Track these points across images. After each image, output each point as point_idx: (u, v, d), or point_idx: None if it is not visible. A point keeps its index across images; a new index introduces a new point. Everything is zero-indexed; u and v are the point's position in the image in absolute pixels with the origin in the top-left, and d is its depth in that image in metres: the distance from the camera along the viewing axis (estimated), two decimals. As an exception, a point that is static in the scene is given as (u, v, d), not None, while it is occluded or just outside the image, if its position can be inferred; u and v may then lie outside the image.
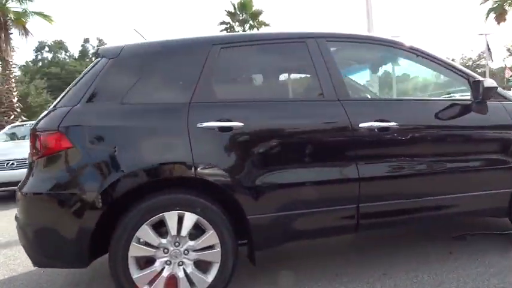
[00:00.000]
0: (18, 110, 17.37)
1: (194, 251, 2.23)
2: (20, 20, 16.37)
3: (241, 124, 2.26)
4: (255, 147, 2.28)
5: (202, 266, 2.27)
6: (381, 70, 3.14)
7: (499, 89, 2.77)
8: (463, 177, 2.58)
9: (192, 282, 2.21)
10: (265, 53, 2.53)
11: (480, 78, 2.54)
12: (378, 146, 2.42)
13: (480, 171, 2.59)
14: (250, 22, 33.15)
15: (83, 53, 58.10)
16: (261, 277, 2.61)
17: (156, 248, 2.18)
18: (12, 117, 16.78)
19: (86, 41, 60.15)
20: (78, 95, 2.26)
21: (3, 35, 16.31)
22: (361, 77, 2.95)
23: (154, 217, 2.16)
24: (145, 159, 2.18)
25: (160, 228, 2.20)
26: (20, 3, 16.65)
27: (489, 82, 2.47)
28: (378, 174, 2.40)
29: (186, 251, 2.22)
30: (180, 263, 2.21)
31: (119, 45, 2.44)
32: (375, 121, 2.38)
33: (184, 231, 2.20)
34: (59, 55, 58.89)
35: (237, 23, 33.29)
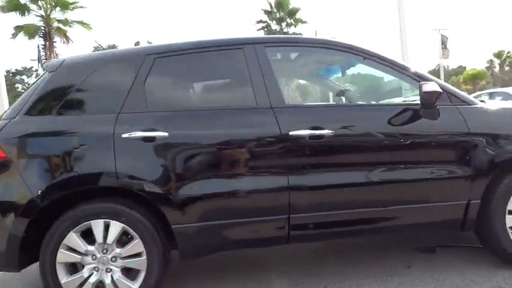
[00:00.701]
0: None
1: (121, 258, 2.28)
2: (62, 29, 17.45)
3: (165, 134, 2.27)
4: (180, 157, 2.28)
5: (131, 273, 2.32)
6: (326, 74, 3.02)
7: (461, 93, 2.56)
8: (407, 188, 2.40)
9: (118, 289, 2.27)
10: (201, 62, 2.51)
11: (427, 81, 2.35)
12: (310, 154, 2.32)
13: (428, 181, 2.40)
14: (287, 20, 32.99)
15: None
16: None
17: (84, 254, 2.26)
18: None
19: (137, 44, 62.60)
20: (18, 108, 2.38)
21: (47, 43, 17.48)
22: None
23: (81, 225, 2.24)
24: (71, 169, 2.26)
25: (90, 235, 2.28)
26: (63, 13, 17.77)
27: (429, 86, 2.26)
28: (309, 184, 2.32)
29: (113, 258, 2.27)
30: (108, 269, 2.27)
31: (61, 59, 2.54)
32: (308, 129, 2.30)
33: (111, 239, 2.25)
34: None
35: (274, 22, 33.26)
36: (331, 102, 3.01)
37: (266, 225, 2.32)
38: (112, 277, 2.27)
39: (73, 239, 2.24)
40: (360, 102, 2.82)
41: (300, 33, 33.27)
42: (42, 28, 17.81)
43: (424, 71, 2.56)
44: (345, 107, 2.59)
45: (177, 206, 2.25)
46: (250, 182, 2.31)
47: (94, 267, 2.27)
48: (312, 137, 2.29)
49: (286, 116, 2.33)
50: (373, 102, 2.80)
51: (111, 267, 2.28)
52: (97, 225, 2.24)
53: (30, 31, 17.91)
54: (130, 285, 2.27)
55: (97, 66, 2.47)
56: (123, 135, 2.26)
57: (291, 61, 2.71)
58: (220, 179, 2.31)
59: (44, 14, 17.69)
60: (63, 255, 2.23)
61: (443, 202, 2.40)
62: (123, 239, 2.30)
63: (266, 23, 33.40)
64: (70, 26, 18.29)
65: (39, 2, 17.77)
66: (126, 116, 2.32)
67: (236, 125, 2.36)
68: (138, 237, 2.26)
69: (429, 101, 2.29)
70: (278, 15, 32.93)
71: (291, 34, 33.17)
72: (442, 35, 28.10)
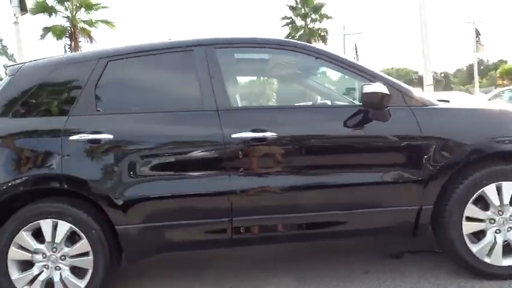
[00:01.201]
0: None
1: (70, 257, 2.35)
2: (86, 29, 18.03)
3: (110, 137, 2.31)
4: (123, 159, 2.32)
5: (80, 272, 2.38)
6: (276, 74, 2.94)
7: (418, 94, 2.45)
8: (354, 192, 2.34)
9: (66, 287, 2.34)
10: (152, 64, 2.54)
11: (371, 83, 2.25)
12: (252, 157, 2.30)
13: (377, 185, 2.32)
14: (312, 16, 32.59)
15: None
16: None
17: (34, 252, 2.34)
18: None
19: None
20: None
21: (73, 43, 18.11)
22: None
23: (30, 224, 2.32)
24: (21, 171, 2.34)
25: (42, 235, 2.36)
26: (87, 13, 18.36)
27: (370, 87, 2.18)
28: (252, 187, 2.29)
29: (62, 257, 2.34)
30: (57, 267, 2.35)
31: (20, 64, 2.64)
32: (250, 131, 2.27)
33: (59, 238, 2.33)
34: None
35: (299, 17, 32.94)
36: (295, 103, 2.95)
37: (208, 228, 2.32)
38: (61, 275, 2.35)
39: (23, 237, 2.32)
40: (307, 103, 2.74)
41: (325, 29, 32.85)
42: (68, 29, 18.46)
43: (379, 71, 2.46)
44: (290, 109, 2.53)
45: (120, 207, 2.29)
46: (192, 184, 2.31)
47: (44, 265, 2.34)
48: (254, 139, 2.26)
49: (230, 119, 2.32)
50: (321, 103, 2.72)
51: (60, 265, 2.35)
52: (45, 225, 2.32)
53: (57, 32, 18.58)
54: (77, 283, 2.34)
55: (53, 70, 2.53)
56: (70, 138, 2.32)
57: (242, 62, 2.68)
58: (162, 181, 2.33)
59: (70, 15, 18.33)
60: (13, 253, 2.32)
61: (393, 207, 2.32)
62: (76, 238, 2.36)
63: (291, 19, 33.13)
64: (95, 27, 18.89)
65: (66, 3, 18.42)
66: (75, 119, 2.38)
67: (181, 128, 2.37)
68: (84, 237, 2.32)
69: (371, 103, 2.21)
70: (303, 11, 32.57)
71: (316, 30, 32.79)
72: (476, 28, 27.30)
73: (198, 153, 2.34)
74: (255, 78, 2.67)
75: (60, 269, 2.35)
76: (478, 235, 2.35)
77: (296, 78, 2.72)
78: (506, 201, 2.32)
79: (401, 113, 2.33)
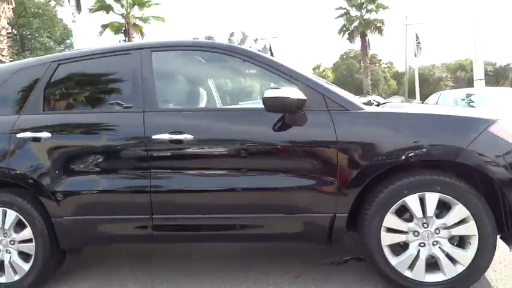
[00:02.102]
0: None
1: (18, 242, 2.60)
2: (138, 25, 19.08)
3: (48, 135, 2.53)
4: (58, 156, 2.52)
5: (27, 256, 2.64)
6: (206, 76, 2.92)
7: (344, 98, 2.34)
8: (267, 196, 2.32)
9: (14, 268, 2.61)
10: (95, 67, 2.69)
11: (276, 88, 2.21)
12: (170, 158, 2.39)
13: (290, 191, 2.29)
14: (368, 6, 31.29)
15: None
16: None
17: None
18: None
19: (231, 35, 64.24)
20: None
21: (127, 38, 19.25)
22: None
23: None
24: None
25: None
26: (140, 10, 19.39)
27: (269, 92, 2.16)
28: (170, 187, 2.38)
29: (11, 242, 2.60)
30: (8, 251, 2.61)
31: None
32: (169, 133, 2.35)
33: (7, 225, 2.59)
34: None
35: (354, 8, 31.82)
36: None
37: (130, 224, 2.46)
38: (10, 258, 2.62)
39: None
40: (224, 106, 2.73)
41: (381, 20, 31.40)
42: (123, 25, 19.66)
43: (307, 74, 2.39)
44: (208, 111, 2.54)
45: (54, 200, 2.50)
46: (117, 182, 2.45)
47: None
48: (172, 141, 2.34)
49: (152, 120, 2.42)
50: (237, 106, 2.71)
51: (9, 249, 2.63)
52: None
53: (114, 28, 19.90)
54: (23, 266, 2.60)
55: (12, 73, 2.80)
56: (17, 135, 2.57)
57: (174, 65, 2.74)
58: (91, 178, 2.49)
59: (124, 12, 19.50)
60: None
61: (306, 213, 2.27)
62: (23, 226, 2.61)
63: (345, 10, 32.12)
64: (149, 23, 19.94)
65: (121, 1, 19.60)
66: (24, 118, 2.63)
67: (111, 128, 2.51)
68: (28, 225, 2.57)
69: (272, 107, 2.20)
70: (358, 1, 31.37)
71: (372, 20, 31.44)
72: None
73: (124, 152, 2.47)
74: (186, 80, 2.74)
75: (10, 252, 2.63)
76: (403, 247, 2.24)
77: (223, 80, 2.73)
78: (431, 213, 2.18)
79: (318, 117, 2.27)
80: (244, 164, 2.35)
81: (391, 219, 2.20)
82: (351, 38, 31.84)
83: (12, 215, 2.61)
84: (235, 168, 2.35)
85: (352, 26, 31.36)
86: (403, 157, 2.19)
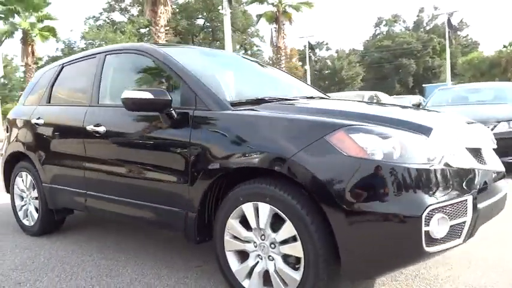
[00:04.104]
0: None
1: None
2: (287, 12, 19.83)
3: (42, 121, 3.37)
4: (47, 137, 3.35)
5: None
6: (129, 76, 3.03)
7: (215, 97, 2.30)
8: (141, 187, 2.56)
9: None
10: (77, 69, 3.39)
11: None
12: (95, 145, 2.87)
13: (155, 184, 2.46)
14: None
15: (417, 23, 57.46)
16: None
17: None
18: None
19: (421, 10, 59.05)
20: None
21: (277, 26, 20.30)
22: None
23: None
24: None
25: None
26: (291, -3, 20.12)
27: (125, 93, 2.35)
28: (94, 169, 2.88)
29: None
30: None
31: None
32: (93, 125, 2.82)
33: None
34: (393, 28, 60.53)
35: None
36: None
37: (74, 195, 3.06)
38: None
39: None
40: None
41: None
42: (275, 13, 20.76)
43: (195, 76, 2.43)
44: (115, 107, 2.75)
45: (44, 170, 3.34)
46: (68, 160, 3.10)
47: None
48: (94, 132, 2.80)
49: (90, 114, 2.92)
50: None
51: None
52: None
53: (267, 17, 21.22)
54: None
55: (44, 72, 3.77)
56: (31, 121, 3.50)
57: (116, 66, 3.04)
58: (59, 154, 3.22)
59: (276, 1, 20.54)
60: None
61: (167, 206, 2.41)
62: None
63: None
64: (301, 11, 20.52)
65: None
66: (39, 108, 3.55)
67: (71, 119, 3.12)
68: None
69: (128, 106, 2.38)
70: None
71: None
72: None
73: (72, 138, 3.08)
74: (118, 79, 3.07)
75: None
76: (245, 256, 2.14)
77: (145, 78, 2.98)
78: (263, 224, 2.01)
79: (182, 117, 2.33)
80: (126, 155, 2.69)
81: (232, 225, 2.13)
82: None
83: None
84: (121, 159, 2.72)
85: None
86: (232, 163, 2.08)
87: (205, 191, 2.20)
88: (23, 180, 3.64)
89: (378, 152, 1.76)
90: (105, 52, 3.11)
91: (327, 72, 54.41)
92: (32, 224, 3.59)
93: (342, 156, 1.77)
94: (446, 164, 1.82)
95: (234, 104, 2.32)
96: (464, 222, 1.82)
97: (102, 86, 3.01)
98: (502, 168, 2.27)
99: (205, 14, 43.39)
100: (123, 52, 3.01)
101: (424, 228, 1.68)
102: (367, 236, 1.74)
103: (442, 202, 1.73)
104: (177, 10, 42.18)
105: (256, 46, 47.43)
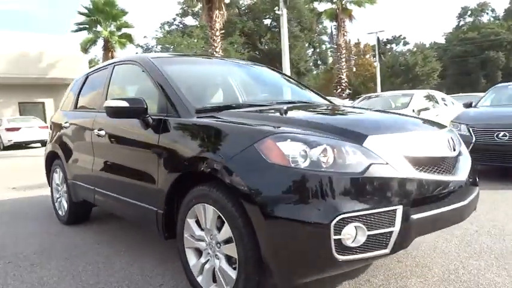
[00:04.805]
0: (344, 84, 20.76)
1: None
2: (347, 9, 19.32)
3: (68, 124, 3.84)
4: (71, 137, 3.83)
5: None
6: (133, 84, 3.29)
7: (185, 105, 2.50)
8: (125, 184, 2.87)
9: None
10: (96, 78, 3.80)
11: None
12: (101, 146, 3.23)
13: (137, 183, 2.72)
14: None
15: (508, 11, 52.60)
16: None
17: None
18: (339, 90, 20.53)
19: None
20: None
21: (337, 24, 19.90)
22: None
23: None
24: None
25: None
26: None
27: (107, 102, 2.68)
28: (100, 167, 3.24)
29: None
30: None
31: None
32: (98, 129, 3.20)
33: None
34: (480, 18, 56.18)
35: None
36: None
37: (86, 190, 3.48)
38: None
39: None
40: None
41: None
42: (335, 10, 20.36)
43: (176, 86, 2.64)
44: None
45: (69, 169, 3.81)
46: (82, 157, 3.52)
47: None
48: (98, 135, 3.19)
49: (97, 118, 3.30)
50: None
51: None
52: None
53: (328, 14, 20.90)
54: None
55: (76, 81, 4.28)
56: (62, 124, 4.02)
57: (120, 74, 3.36)
58: (77, 152, 3.68)
59: (337, -1, 20.18)
60: None
61: (142, 203, 2.67)
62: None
63: None
64: (364, 7, 19.92)
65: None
66: (66, 113, 4.05)
67: (87, 121, 3.53)
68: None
69: (109, 113, 2.66)
70: None
71: None
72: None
73: (86, 137, 3.49)
74: (118, 87, 3.38)
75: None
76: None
77: (138, 87, 3.28)
78: (209, 225, 2.16)
79: (156, 122, 2.56)
80: (116, 156, 3.04)
81: (189, 225, 2.30)
82: None
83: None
84: (114, 159, 3.08)
85: None
86: (185, 167, 2.28)
87: (168, 190, 2.40)
88: (58, 176, 4.18)
89: (302, 160, 1.81)
90: (113, 63, 3.47)
91: (401, 68, 51.37)
92: (63, 214, 4.11)
93: (266, 163, 1.85)
94: (374, 173, 1.81)
95: (200, 111, 2.49)
96: (390, 233, 1.79)
97: (108, 94, 3.38)
98: (464, 178, 2.15)
99: (272, 14, 43.83)
100: (126, 63, 3.34)
101: (333, 237, 1.70)
102: (285, 242, 1.80)
103: (359, 211, 1.73)
104: (245, 11, 43.06)
105: (326, 43, 46.78)
